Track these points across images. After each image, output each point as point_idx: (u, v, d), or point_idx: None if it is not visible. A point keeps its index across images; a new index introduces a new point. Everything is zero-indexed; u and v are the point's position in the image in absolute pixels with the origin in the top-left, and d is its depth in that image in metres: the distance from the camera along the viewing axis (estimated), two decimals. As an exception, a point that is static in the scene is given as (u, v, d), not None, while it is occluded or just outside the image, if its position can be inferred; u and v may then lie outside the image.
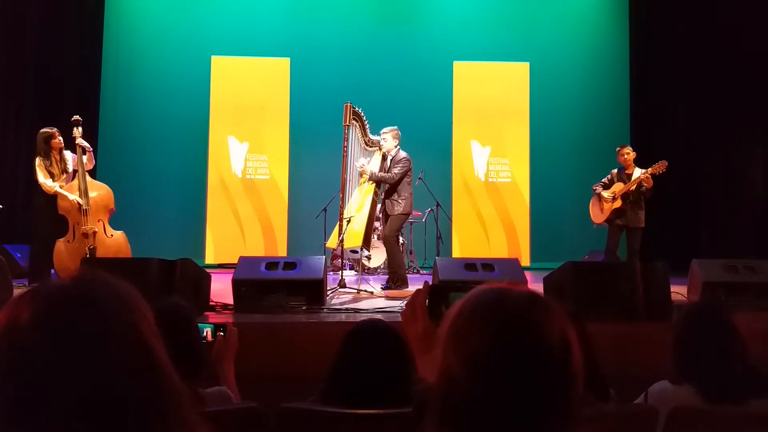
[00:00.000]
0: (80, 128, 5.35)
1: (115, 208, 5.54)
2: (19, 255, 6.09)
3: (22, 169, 7.27)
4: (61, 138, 5.35)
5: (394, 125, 5.62)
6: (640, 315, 3.69)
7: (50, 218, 5.24)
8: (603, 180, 6.11)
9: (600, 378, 1.78)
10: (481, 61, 8.51)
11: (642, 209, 5.91)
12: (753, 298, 4.07)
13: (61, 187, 5.24)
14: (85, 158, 5.36)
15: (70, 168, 5.39)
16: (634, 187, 5.81)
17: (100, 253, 5.17)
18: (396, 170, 5.41)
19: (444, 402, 0.84)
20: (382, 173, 5.47)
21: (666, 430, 1.78)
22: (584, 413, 0.87)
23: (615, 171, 6.07)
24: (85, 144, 5.35)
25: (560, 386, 0.82)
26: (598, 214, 6.10)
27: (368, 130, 5.62)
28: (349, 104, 5.38)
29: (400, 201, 5.43)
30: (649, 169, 5.78)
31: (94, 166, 5.86)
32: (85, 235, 5.21)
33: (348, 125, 5.36)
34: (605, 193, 5.98)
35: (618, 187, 5.92)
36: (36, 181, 5.26)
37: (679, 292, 4.19)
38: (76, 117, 5.37)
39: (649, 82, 8.78)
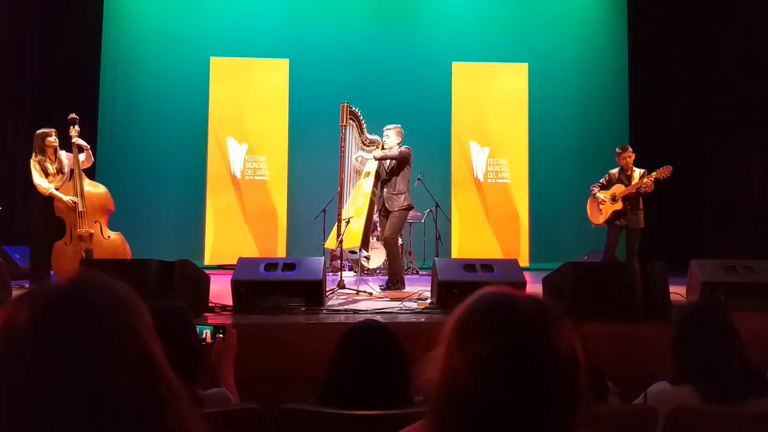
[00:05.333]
0: (77, 126, 5.29)
1: (115, 208, 5.52)
2: (17, 256, 6.08)
3: (20, 170, 7.25)
4: (56, 138, 5.29)
5: (395, 124, 5.61)
6: (639, 315, 3.69)
7: (47, 220, 5.20)
8: (600, 180, 6.11)
9: (597, 377, 1.78)
10: (479, 62, 8.51)
11: (641, 210, 5.93)
12: (752, 298, 4.07)
13: (56, 188, 5.20)
14: (83, 156, 5.32)
15: (66, 168, 5.34)
16: (635, 190, 5.81)
17: (96, 255, 5.13)
18: (401, 149, 5.36)
19: (446, 402, 0.84)
20: (385, 151, 5.40)
21: (665, 431, 1.78)
22: (584, 414, 0.87)
23: (613, 171, 6.06)
24: (82, 142, 5.30)
25: (565, 398, 0.82)
26: (597, 215, 6.09)
27: (365, 130, 5.59)
28: (345, 104, 5.36)
29: (399, 196, 5.39)
30: (654, 173, 5.76)
31: (93, 165, 5.82)
32: (81, 237, 5.18)
33: (345, 125, 5.34)
34: (601, 195, 5.99)
35: (619, 188, 5.91)
36: (32, 182, 5.23)
37: (678, 292, 4.20)
38: (73, 115, 5.31)
39: (648, 82, 8.79)
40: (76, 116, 5.33)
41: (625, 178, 5.96)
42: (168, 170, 8.59)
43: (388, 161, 5.50)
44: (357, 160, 5.60)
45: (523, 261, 7.79)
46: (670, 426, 1.76)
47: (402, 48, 8.96)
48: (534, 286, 4.52)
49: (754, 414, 1.77)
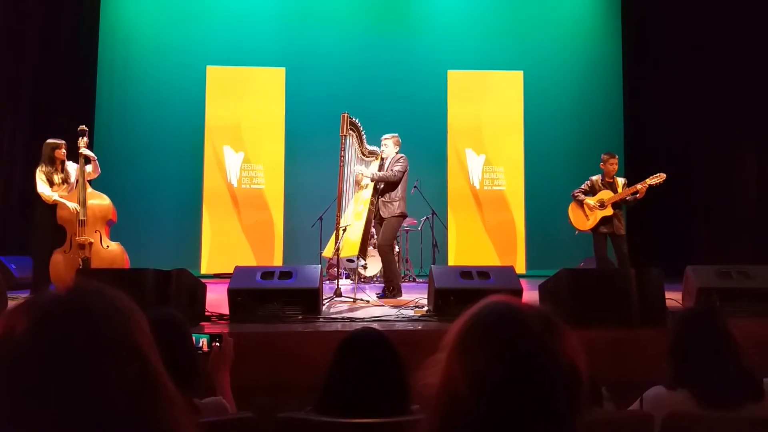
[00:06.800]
0: (86, 138, 5.37)
1: (117, 220, 5.53)
2: (14, 266, 6.06)
3: (17, 180, 7.25)
4: (65, 151, 5.36)
5: (392, 133, 5.64)
6: (635, 321, 3.70)
7: (50, 229, 5.23)
8: (582, 186, 6.14)
9: (592, 383, 1.78)
10: (475, 70, 8.56)
11: (623, 216, 6.03)
12: (747, 304, 4.08)
13: (60, 196, 5.23)
14: (89, 167, 5.38)
15: (72, 179, 5.38)
16: (626, 196, 5.85)
17: (94, 265, 5.13)
18: (396, 168, 5.43)
19: (445, 412, 0.85)
20: (382, 172, 5.48)
21: (661, 436, 1.78)
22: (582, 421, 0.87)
23: (595, 178, 6.11)
24: (89, 153, 5.37)
25: (565, 413, 0.81)
26: (582, 221, 6.08)
27: (365, 140, 5.63)
28: (346, 114, 5.39)
29: (393, 203, 5.42)
30: (649, 179, 5.80)
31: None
32: (81, 246, 5.19)
33: (345, 135, 5.37)
34: (590, 200, 6.01)
35: (607, 194, 5.95)
36: (36, 191, 5.25)
37: (673, 298, 4.21)
38: (82, 127, 5.39)
39: (643, 89, 8.84)
40: (85, 128, 5.42)
41: (607, 184, 6.02)
42: (164, 179, 8.59)
43: (386, 166, 5.52)
44: (359, 175, 5.62)
45: (520, 268, 7.80)
46: (667, 431, 1.77)
47: (398, 56, 9.00)
48: (530, 293, 4.52)
49: (750, 419, 1.77)
